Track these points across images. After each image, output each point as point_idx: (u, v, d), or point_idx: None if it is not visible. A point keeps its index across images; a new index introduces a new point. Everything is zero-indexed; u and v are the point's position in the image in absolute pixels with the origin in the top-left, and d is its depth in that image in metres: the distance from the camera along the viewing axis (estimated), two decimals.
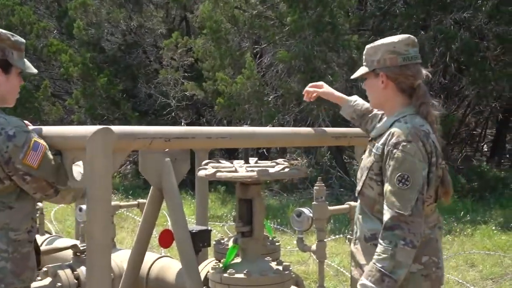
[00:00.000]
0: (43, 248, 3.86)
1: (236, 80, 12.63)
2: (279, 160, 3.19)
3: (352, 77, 3.03)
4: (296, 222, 3.60)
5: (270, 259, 3.19)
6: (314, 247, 3.57)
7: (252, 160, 3.23)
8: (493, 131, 18.75)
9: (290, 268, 3.08)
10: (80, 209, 4.14)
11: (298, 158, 17.75)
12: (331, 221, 10.00)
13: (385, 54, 2.80)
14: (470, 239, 9.04)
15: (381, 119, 3.12)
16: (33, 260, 2.67)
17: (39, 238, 4.24)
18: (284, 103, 13.10)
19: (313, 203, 3.57)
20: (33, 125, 2.74)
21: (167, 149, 3.25)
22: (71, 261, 3.77)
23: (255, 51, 14.38)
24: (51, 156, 2.57)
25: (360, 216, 2.88)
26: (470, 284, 6.69)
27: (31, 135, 2.54)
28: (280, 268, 3.03)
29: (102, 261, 2.51)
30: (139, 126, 2.73)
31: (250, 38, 14.44)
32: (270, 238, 3.70)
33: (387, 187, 2.65)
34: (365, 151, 2.97)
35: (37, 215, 4.58)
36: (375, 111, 3.19)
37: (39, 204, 4.73)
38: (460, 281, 6.71)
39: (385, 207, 2.63)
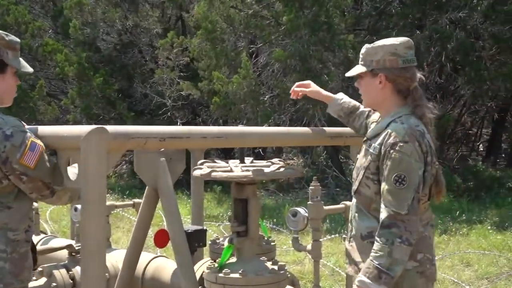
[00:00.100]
0: (38, 248, 3.85)
1: (232, 79, 12.62)
2: (275, 160, 3.19)
3: (346, 74, 3.05)
4: (292, 222, 3.61)
5: (266, 258, 3.19)
6: (309, 246, 3.57)
7: (248, 160, 3.22)
8: (489, 131, 18.80)
9: (286, 268, 3.08)
10: (76, 209, 4.13)
11: (294, 158, 17.77)
12: (327, 220, 10.01)
13: (385, 55, 2.83)
14: (465, 239, 9.05)
15: (368, 116, 3.20)
16: (30, 260, 2.68)
17: (34, 238, 4.22)
18: (280, 103, 13.10)
19: (308, 202, 3.58)
20: (29, 125, 2.74)
21: (162, 149, 3.24)
22: (66, 261, 3.77)
23: (250, 50, 14.37)
24: (47, 157, 2.58)
25: (356, 215, 2.92)
26: (466, 283, 6.70)
27: (29, 135, 2.54)
28: (276, 267, 3.02)
29: (97, 262, 2.50)
30: (133, 126, 2.72)
31: (246, 37, 14.44)
32: (266, 238, 3.70)
33: (384, 186, 2.70)
34: (360, 151, 3.00)
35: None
36: (362, 108, 3.25)
37: (34, 204, 4.71)
38: (456, 280, 6.72)
39: (382, 205, 2.69)
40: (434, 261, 2.89)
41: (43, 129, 2.68)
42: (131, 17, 16.46)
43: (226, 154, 14.76)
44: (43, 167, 2.55)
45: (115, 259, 3.79)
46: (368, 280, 2.63)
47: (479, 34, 12.79)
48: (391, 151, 2.69)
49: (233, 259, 3.09)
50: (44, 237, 4.53)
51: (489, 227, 9.63)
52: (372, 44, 2.90)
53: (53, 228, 9.14)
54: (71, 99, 15.31)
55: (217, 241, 3.66)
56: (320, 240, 3.60)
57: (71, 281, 3.64)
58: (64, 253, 3.84)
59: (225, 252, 3.04)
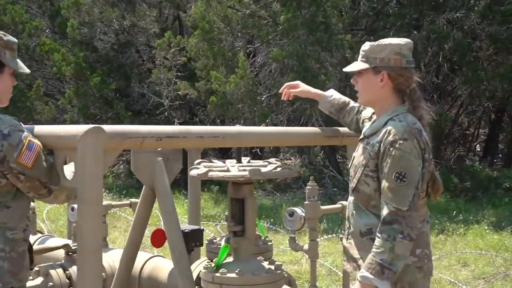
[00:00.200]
0: (35, 247, 3.85)
1: (230, 79, 12.62)
2: (272, 160, 3.20)
3: (345, 69, 3.07)
4: (289, 222, 3.62)
5: (262, 258, 3.19)
6: (306, 246, 3.58)
7: (245, 160, 3.23)
8: (486, 131, 18.83)
9: (282, 268, 3.09)
10: (72, 209, 4.13)
11: (292, 158, 17.78)
12: (324, 220, 10.02)
13: (390, 54, 2.87)
14: (462, 239, 9.06)
15: (358, 111, 3.28)
16: (27, 259, 2.69)
17: (31, 238, 4.22)
18: (277, 103, 13.09)
19: (305, 202, 3.59)
20: (25, 124, 2.74)
21: (159, 149, 3.24)
22: (63, 261, 3.76)
23: (248, 50, 14.37)
24: (44, 156, 2.58)
25: (354, 212, 2.96)
26: (462, 283, 6.71)
27: (26, 134, 2.55)
28: (272, 267, 3.03)
29: (94, 261, 2.50)
30: (130, 125, 2.73)
31: (243, 37, 14.45)
32: (263, 238, 3.70)
33: (384, 183, 2.75)
34: (356, 149, 3.03)
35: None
36: (352, 103, 3.33)
37: (31, 203, 4.71)
38: (453, 280, 6.73)
39: (383, 202, 2.75)
40: (431, 256, 2.95)
41: (39, 129, 2.68)
42: (128, 17, 16.44)
43: (223, 154, 14.76)
44: (40, 166, 2.55)
45: (112, 258, 3.78)
46: (371, 276, 2.67)
47: (476, 34, 12.80)
48: (391, 148, 2.74)
49: (230, 259, 3.09)
50: (40, 237, 4.52)
51: (486, 227, 9.63)
52: (377, 42, 2.93)
53: (50, 228, 9.13)
54: (68, 99, 15.28)
55: (214, 240, 3.66)
56: (317, 240, 3.60)
57: (68, 281, 3.64)
58: (61, 252, 3.83)
59: (222, 251, 3.04)
